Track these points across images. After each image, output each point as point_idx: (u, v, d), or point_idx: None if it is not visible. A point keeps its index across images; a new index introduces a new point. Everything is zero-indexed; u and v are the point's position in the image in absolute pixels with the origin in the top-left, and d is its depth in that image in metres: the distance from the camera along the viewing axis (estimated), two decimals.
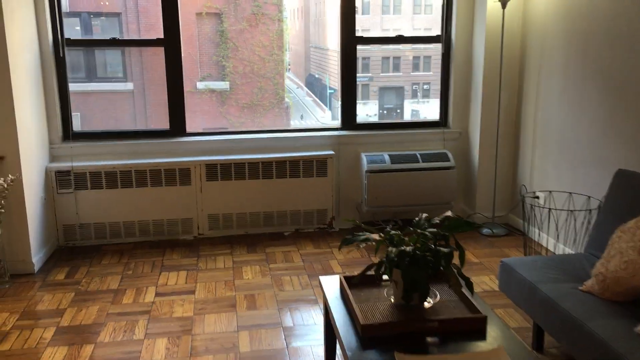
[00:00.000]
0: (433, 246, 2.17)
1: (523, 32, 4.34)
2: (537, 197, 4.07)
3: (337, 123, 4.75)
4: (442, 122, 4.77)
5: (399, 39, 4.64)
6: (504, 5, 4.12)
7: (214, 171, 4.36)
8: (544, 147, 4.10)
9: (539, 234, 4.13)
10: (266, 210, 4.48)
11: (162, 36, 4.40)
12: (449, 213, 2.26)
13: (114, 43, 4.60)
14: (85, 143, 4.33)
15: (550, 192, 3.75)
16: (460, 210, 4.79)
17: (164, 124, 4.57)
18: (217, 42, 10.98)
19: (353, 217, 4.70)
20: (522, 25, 4.34)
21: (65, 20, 4.49)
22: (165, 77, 4.44)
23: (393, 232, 2.23)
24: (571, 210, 3.51)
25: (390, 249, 2.15)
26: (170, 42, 4.38)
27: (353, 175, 4.65)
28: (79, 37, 4.80)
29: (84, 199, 4.24)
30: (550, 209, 3.63)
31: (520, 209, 4.45)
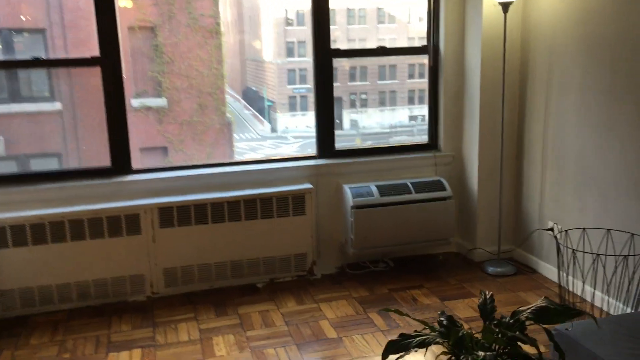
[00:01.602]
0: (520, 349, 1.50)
1: (523, 38, 3.79)
2: (553, 231, 3.51)
3: (311, 150, 4.06)
4: (432, 144, 4.16)
5: (382, 51, 4.01)
6: (505, 10, 3.56)
7: (169, 215, 3.57)
8: (557, 172, 3.55)
9: (568, 279, 3.56)
10: (235, 259, 3.72)
11: (97, 54, 3.58)
12: (543, 303, 1.59)
13: (37, 64, 3.73)
14: (3, 189, 3.45)
15: (584, 229, 3.17)
16: (458, 245, 4.18)
17: (101, 157, 3.75)
18: (152, 57, 10.07)
19: (336, 259, 4.00)
20: (522, 31, 3.79)
21: None
22: (104, 104, 3.61)
23: (462, 331, 1.55)
24: (625, 256, 2.91)
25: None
26: (108, 61, 3.57)
27: (334, 211, 3.96)
28: None
29: (5, 260, 3.36)
30: (597, 254, 2.98)
31: (535, 245, 3.88)
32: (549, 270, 3.69)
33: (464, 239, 4.15)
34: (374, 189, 3.83)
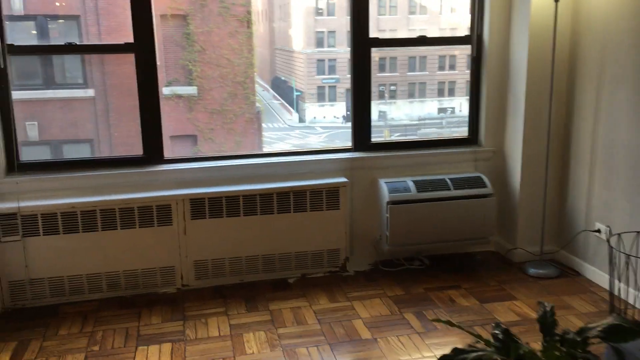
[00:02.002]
0: None
1: (573, 30, 3.60)
2: (600, 233, 3.33)
3: (346, 142, 3.93)
4: (473, 139, 4.00)
5: (422, 40, 3.85)
6: None
7: (200, 207, 3.50)
8: (608, 172, 3.36)
9: (617, 285, 3.39)
10: (266, 253, 3.63)
11: (131, 40, 3.50)
12: (615, 320, 1.45)
13: (71, 50, 3.67)
14: (36, 176, 3.41)
15: (638, 233, 2.99)
16: (497, 244, 4.02)
17: (132, 143, 3.68)
18: (183, 45, 10.02)
19: (369, 255, 3.89)
20: (572, 22, 3.60)
21: (19, 25, 3.54)
22: (137, 92, 3.54)
23: (523, 348, 1.42)
24: None
25: None
26: (142, 47, 3.49)
27: (369, 206, 3.84)
28: (31, 43, 3.84)
29: (36, 248, 3.32)
30: None
31: (579, 247, 3.71)
32: (594, 273, 3.51)
33: (503, 238, 3.98)
34: (411, 185, 3.70)
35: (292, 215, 3.62)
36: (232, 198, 3.53)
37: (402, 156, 3.85)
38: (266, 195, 3.56)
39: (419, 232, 3.68)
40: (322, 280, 3.67)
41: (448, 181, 3.74)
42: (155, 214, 3.45)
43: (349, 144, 3.90)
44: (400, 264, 3.85)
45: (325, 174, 3.75)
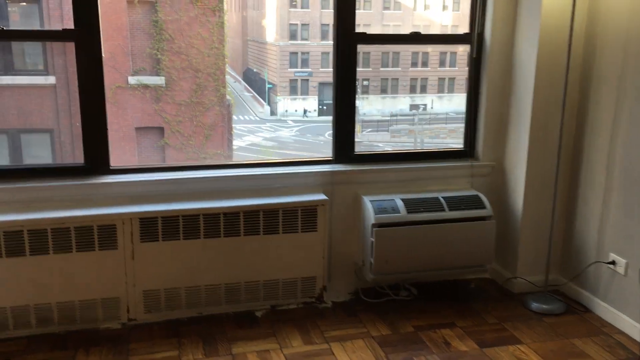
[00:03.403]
0: None
1: (588, 32, 3.14)
2: (615, 265, 2.89)
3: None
4: (469, 151, 3.52)
5: (415, 37, 3.35)
6: None
7: (152, 227, 2.93)
8: (625, 196, 2.92)
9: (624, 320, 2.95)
10: (230, 282, 3.09)
11: (72, 26, 2.91)
12: None
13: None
14: None
15: None
16: (493, 272, 3.56)
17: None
18: (151, 34, 9.35)
19: (349, 283, 3.38)
20: (588, 23, 3.14)
21: None
22: (77, 88, 2.95)
23: None
24: None
25: None
26: (85, 36, 2.90)
27: (351, 227, 3.34)
28: None
29: None
30: None
31: (589, 279, 3.27)
32: (606, 311, 3.08)
33: (500, 265, 3.52)
34: (400, 204, 3.20)
35: (262, 237, 3.09)
36: (190, 217, 2.97)
37: (389, 170, 3.35)
38: (232, 214, 3.02)
39: (408, 259, 3.19)
40: (295, 313, 3.15)
41: (442, 200, 3.25)
42: (97, 236, 2.87)
43: (326, 150, 3.38)
44: (385, 294, 3.36)
45: (301, 189, 3.23)
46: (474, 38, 3.35)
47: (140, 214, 2.91)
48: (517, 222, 3.36)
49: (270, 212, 3.07)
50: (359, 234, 3.31)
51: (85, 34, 2.90)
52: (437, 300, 3.32)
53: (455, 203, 3.26)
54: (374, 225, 3.13)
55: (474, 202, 3.28)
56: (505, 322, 3.06)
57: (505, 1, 3.27)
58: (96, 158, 3.03)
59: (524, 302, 3.26)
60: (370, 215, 3.15)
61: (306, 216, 3.13)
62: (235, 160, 3.18)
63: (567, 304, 3.24)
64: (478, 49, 3.36)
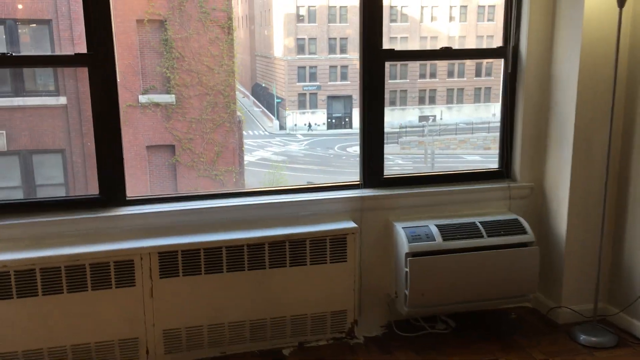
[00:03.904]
0: None
1: (633, 44, 2.93)
2: None
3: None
4: (505, 172, 3.31)
5: (446, 53, 3.16)
6: (622, 3, 2.70)
7: (171, 262, 2.74)
8: None
9: None
10: (255, 318, 2.89)
11: (85, 50, 2.75)
12: None
13: (7, 62, 2.87)
14: None
15: None
16: (535, 301, 3.32)
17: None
18: (161, 52, 9.26)
19: (381, 315, 3.17)
20: (633, 31, 2.93)
21: None
22: (92, 116, 2.78)
23: None
24: None
25: None
26: (99, 60, 2.73)
27: (382, 256, 3.13)
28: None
29: None
30: None
31: None
32: None
33: (543, 293, 3.29)
34: (435, 231, 2.98)
35: (288, 269, 2.89)
36: (212, 250, 2.78)
37: (421, 194, 3.15)
38: (256, 245, 2.83)
39: (445, 291, 2.98)
40: (325, 350, 2.93)
41: (479, 226, 3.04)
42: (114, 273, 2.69)
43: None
44: (420, 327, 3.13)
45: (328, 216, 3.03)
46: (508, 52, 3.15)
47: (159, 248, 2.72)
48: (560, 247, 3.13)
49: (297, 242, 2.88)
50: (391, 264, 3.10)
51: (98, 58, 2.74)
52: (477, 333, 3.09)
53: (494, 228, 3.04)
54: (407, 255, 2.92)
55: (514, 227, 3.06)
56: (553, 358, 2.83)
57: (542, 12, 3.07)
58: (111, 189, 2.86)
59: (570, 334, 3.03)
60: (404, 243, 2.94)
61: (335, 246, 2.92)
62: (257, 188, 3.02)
63: (619, 335, 3.00)
64: (513, 63, 3.16)
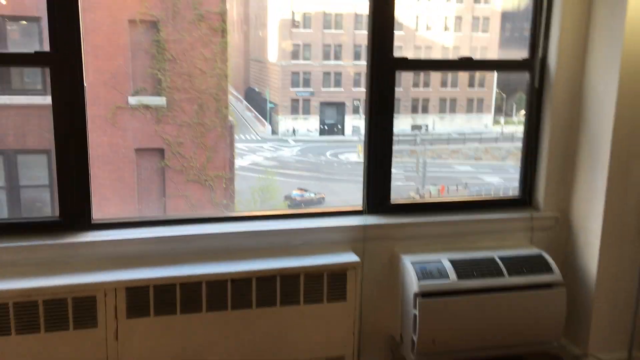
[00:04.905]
0: None
1: None
2: None
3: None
4: (526, 199, 2.93)
5: (466, 64, 2.78)
6: None
7: (142, 299, 2.33)
8: None
9: None
10: None
11: (48, 49, 2.34)
12: None
13: None
14: None
15: None
16: (559, 347, 2.93)
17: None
18: (153, 53, 8.91)
19: None
20: None
21: None
22: (53, 122, 2.37)
23: None
24: None
25: None
26: (63, 60, 2.33)
27: (384, 292, 2.73)
28: None
29: None
30: None
31: None
32: None
33: (567, 337, 2.90)
34: (448, 266, 2.59)
35: (279, 309, 2.48)
36: (190, 285, 2.38)
37: (433, 223, 2.76)
38: (242, 280, 2.42)
39: (459, 337, 2.59)
40: None
41: (499, 262, 2.65)
42: (72, 311, 2.27)
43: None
44: None
45: (326, 247, 2.63)
46: (536, 65, 2.77)
47: (127, 283, 2.31)
48: (588, 286, 2.75)
49: (290, 277, 2.48)
50: (396, 303, 2.70)
51: (62, 58, 2.33)
52: None
53: (515, 265, 2.65)
54: (417, 295, 2.52)
55: (539, 264, 2.67)
56: None
57: (575, 20, 2.70)
58: (74, 210, 2.44)
59: None
60: (412, 280, 2.55)
61: (334, 282, 2.53)
62: (245, 212, 2.67)
63: None
64: (540, 77, 2.78)
